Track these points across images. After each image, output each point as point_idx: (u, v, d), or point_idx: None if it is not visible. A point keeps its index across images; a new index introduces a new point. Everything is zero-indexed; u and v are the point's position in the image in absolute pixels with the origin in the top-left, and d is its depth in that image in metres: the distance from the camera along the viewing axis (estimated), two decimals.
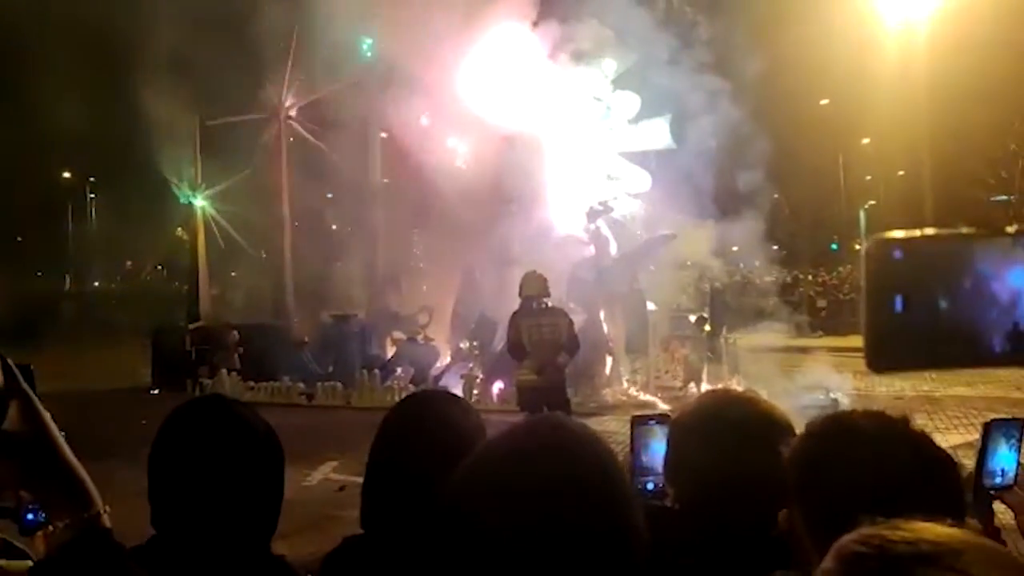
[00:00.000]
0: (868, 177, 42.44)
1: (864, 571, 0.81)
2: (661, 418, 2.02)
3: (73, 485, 1.15)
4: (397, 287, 19.49)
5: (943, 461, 1.36)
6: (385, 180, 21.35)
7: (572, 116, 17.26)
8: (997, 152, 32.58)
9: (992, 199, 33.80)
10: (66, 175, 46.19)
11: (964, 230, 0.60)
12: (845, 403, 12.83)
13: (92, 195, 48.85)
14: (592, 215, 16.91)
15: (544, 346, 9.49)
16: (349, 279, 19.69)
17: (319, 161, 21.32)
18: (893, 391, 14.19)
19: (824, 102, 35.50)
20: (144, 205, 27.42)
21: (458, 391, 15.34)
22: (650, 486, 1.98)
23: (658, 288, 17.05)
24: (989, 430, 2.06)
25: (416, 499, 1.72)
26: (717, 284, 18.68)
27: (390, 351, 18.19)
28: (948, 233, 0.60)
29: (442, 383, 16.06)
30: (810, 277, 32.86)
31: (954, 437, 9.82)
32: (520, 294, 9.96)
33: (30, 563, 1.41)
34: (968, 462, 2.05)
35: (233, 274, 27.36)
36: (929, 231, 0.61)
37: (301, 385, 16.85)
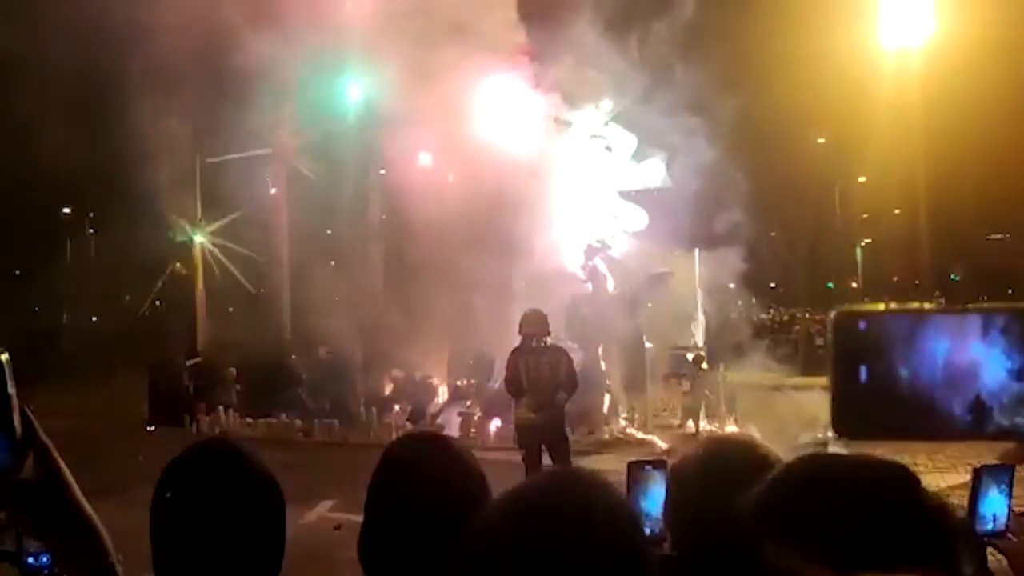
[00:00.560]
0: (864, 215, 42.61)
1: None
2: (658, 463, 2.04)
3: (88, 536, 1.16)
4: (394, 324, 19.49)
5: (934, 510, 1.26)
6: (383, 216, 21.44)
7: (571, 154, 17.38)
8: (993, 192, 32.76)
9: (988, 238, 33.97)
10: (66, 211, 46.28)
11: (926, 305, 0.63)
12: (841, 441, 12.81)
13: (92, 230, 48.91)
14: (590, 253, 16.98)
15: (543, 384, 9.49)
16: (347, 315, 19.69)
17: (318, 198, 21.43)
18: None
19: (820, 140, 35.74)
20: (143, 241, 27.46)
21: (455, 428, 15.34)
22: (647, 532, 1.98)
23: (655, 326, 17.08)
24: (980, 476, 2.08)
25: (419, 547, 1.72)
26: (714, 322, 18.71)
27: (388, 388, 18.15)
28: (909, 308, 0.63)
29: (439, 420, 16.03)
30: (807, 315, 32.91)
31: (953, 477, 9.79)
32: (520, 331, 9.96)
33: None
34: (966, 502, 2.07)
35: (231, 310, 27.36)
36: (892, 305, 0.64)
37: (298, 422, 16.79)
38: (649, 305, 17.18)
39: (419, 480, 1.86)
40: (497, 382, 13.78)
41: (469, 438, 14.60)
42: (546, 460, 9.53)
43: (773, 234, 39.14)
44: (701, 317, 18.23)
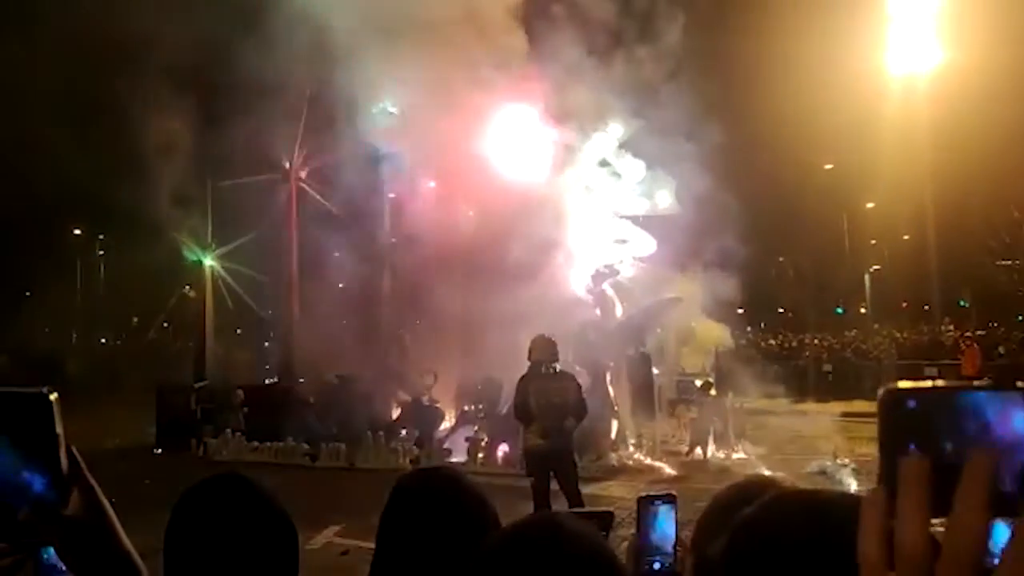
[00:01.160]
0: (873, 241, 42.63)
1: None
2: (668, 498, 2.05)
3: (129, 574, 1.18)
4: (403, 348, 19.51)
5: None
6: (393, 240, 21.51)
7: (580, 179, 17.46)
8: (1001, 218, 32.76)
9: (997, 263, 33.91)
10: (76, 232, 46.54)
11: (975, 383, 0.65)
12: (850, 469, 12.75)
13: (101, 252, 49.16)
14: (598, 278, 17.00)
15: (551, 410, 9.47)
16: (355, 339, 19.72)
17: (328, 221, 21.52)
18: None
19: (828, 167, 35.84)
20: (153, 263, 27.58)
21: (463, 454, 15.32)
22: (656, 565, 2.00)
23: (664, 352, 17.08)
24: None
25: None
26: (722, 348, 18.69)
27: (395, 412, 18.13)
28: (958, 384, 0.65)
29: (447, 445, 16.00)
30: (816, 341, 32.84)
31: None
32: (529, 357, 9.95)
33: None
34: None
35: (238, 331, 27.43)
36: (940, 382, 0.66)
37: (305, 446, 16.77)
38: (658, 331, 17.19)
39: (430, 514, 1.88)
40: (505, 407, 13.78)
41: (476, 463, 14.59)
42: (554, 486, 9.52)
43: (781, 259, 39.21)
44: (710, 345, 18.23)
